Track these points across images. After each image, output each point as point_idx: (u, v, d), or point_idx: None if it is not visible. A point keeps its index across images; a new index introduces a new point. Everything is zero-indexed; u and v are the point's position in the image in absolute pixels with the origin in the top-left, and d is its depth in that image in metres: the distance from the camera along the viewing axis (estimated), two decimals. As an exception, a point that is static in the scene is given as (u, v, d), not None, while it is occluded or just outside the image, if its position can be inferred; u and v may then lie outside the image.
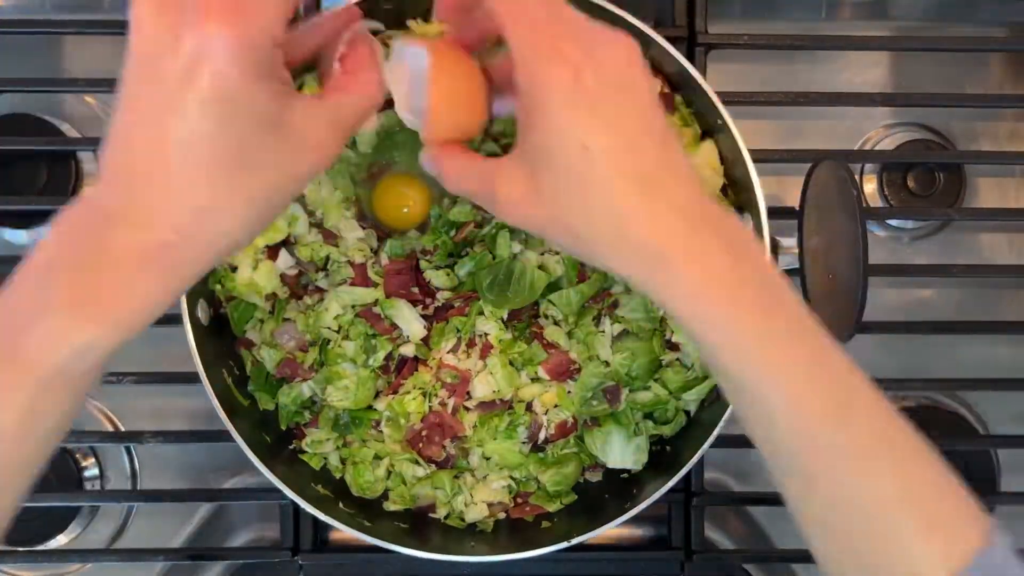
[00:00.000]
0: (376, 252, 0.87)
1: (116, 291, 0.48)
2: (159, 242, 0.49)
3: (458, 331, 0.86)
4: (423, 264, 0.86)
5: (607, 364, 0.86)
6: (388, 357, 0.86)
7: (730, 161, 0.86)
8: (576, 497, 0.90)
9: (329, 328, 0.86)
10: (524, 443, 0.88)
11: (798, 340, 0.54)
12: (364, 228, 0.87)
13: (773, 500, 1.01)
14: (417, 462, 0.88)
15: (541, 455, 0.89)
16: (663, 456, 0.89)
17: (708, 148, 0.86)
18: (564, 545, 0.83)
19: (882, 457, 0.56)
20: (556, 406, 0.87)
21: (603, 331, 0.86)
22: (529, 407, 0.87)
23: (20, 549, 0.98)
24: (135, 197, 0.48)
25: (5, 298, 0.49)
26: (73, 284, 0.48)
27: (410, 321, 0.85)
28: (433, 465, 0.88)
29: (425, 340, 0.87)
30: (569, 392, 0.87)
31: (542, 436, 0.87)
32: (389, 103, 0.87)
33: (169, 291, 0.50)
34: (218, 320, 0.87)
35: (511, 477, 0.89)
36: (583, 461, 0.89)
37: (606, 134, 0.52)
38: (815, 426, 0.55)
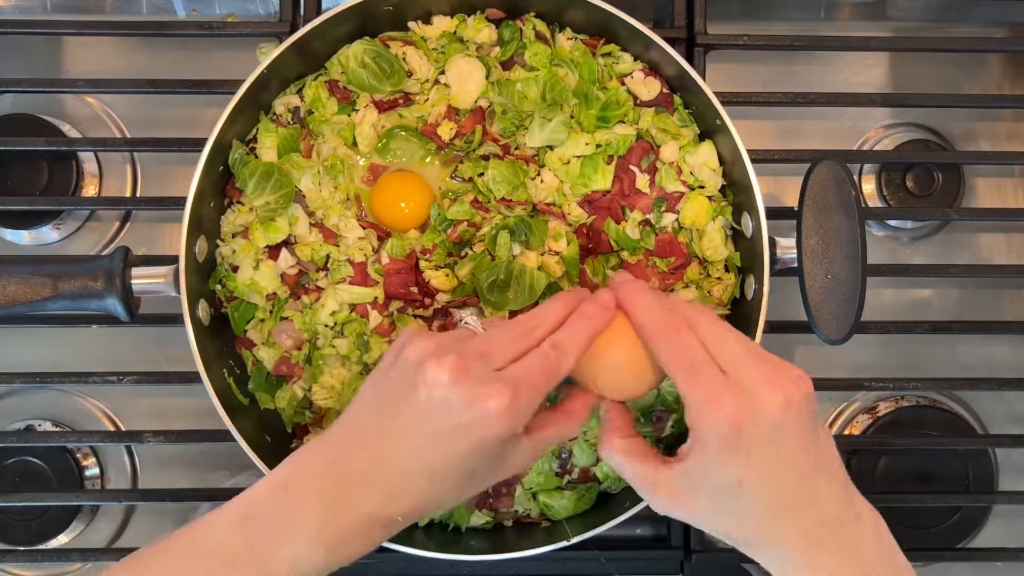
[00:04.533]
0: (376, 252, 0.87)
1: (355, 541, 0.64)
2: (400, 515, 0.64)
3: None
4: (423, 264, 0.87)
5: (659, 391, 0.86)
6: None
7: (729, 162, 0.86)
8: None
9: (325, 325, 0.86)
10: (557, 474, 0.88)
11: None
12: (364, 228, 0.87)
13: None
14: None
15: (560, 484, 0.89)
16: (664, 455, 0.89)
17: (707, 148, 0.87)
18: (564, 544, 0.84)
19: None
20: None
21: None
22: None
23: (21, 548, 0.98)
24: (388, 481, 0.63)
25: (253, 508, 0.65)
26: (324, 527, 0.62)
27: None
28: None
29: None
30: None
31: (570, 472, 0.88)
32: (392, 104, 0.88)
33: (382, 541, 0.66)
34: (219, 320, 0.88)
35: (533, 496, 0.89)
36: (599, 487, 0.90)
37: (757, 473, 0.63)
38: None
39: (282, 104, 0.88)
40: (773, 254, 0.82)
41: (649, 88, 0.88)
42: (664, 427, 0.87)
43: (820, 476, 0.65)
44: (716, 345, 0.65)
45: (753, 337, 0.82)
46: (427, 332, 0.70)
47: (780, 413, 0.62)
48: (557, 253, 0.86)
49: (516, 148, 0.88)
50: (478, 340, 0.65)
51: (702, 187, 0.87)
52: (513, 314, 0.86)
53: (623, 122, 0.87)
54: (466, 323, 0.71)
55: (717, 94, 0.84)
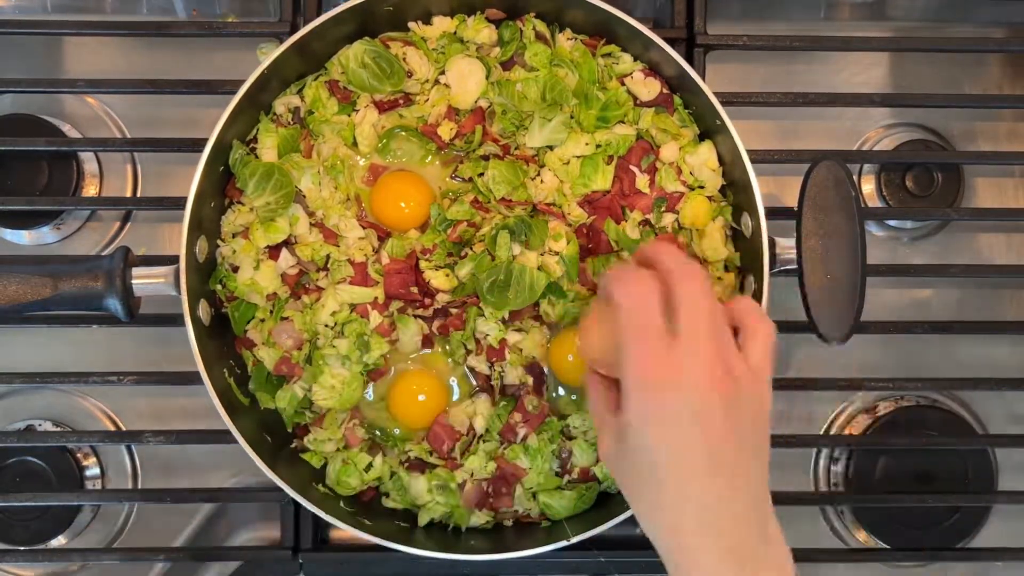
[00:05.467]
0: (376, 252, 0.87)
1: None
2: None
3: (464, 345, 0.88)
4: (423, 264, 0.87)
5: None
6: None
7: (729, 162, 0.86)
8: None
9: (325, 325, 0.86)
10: (557, 473, 0.88)
11: None
12: (364, 228, 0.87)
13: (772, 500, 1.02)
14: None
15: (560, 484, 0.89)
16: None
17: (707, 149, 0.87)
18: (564, 544, 0.84)
19: None
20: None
21: None
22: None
23: (21, 548, 0.98)
24: None
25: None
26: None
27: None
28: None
29: (427, 340, 0.88)
30: None
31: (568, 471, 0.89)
32: (392, 104, 0.88)
33: None
34: (219, 320, 0.88)
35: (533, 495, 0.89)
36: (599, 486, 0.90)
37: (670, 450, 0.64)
38: None
39: (282, 104, 0.88)
40: (773, 254, 0.82)
41: (649, 88, 0.88)
42: None
43: (737, 471, 0.65)
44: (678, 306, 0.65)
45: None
46: None
47: (702, 398, 0.63)
48: (557, 253, 0.86)
49: (516, 148, 0.88)
50: None
51: (702, 187, 0.87)
52: (513, 314, 0.87)
53: (623, 122, 0.87)
54: None
55: (717, 94, 0.84)
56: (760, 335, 0.67)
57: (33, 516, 0.99)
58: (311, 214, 0.87)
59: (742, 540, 0.65)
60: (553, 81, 0.85)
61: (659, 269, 0.68)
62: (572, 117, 0.87)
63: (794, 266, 0.81)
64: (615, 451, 0.68)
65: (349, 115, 0.88)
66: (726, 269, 0.88)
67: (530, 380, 0.88)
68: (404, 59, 0.87)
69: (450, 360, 0.89)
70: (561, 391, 0.89)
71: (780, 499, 1.00)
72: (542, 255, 0.86)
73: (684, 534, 0.65)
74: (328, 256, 0.87)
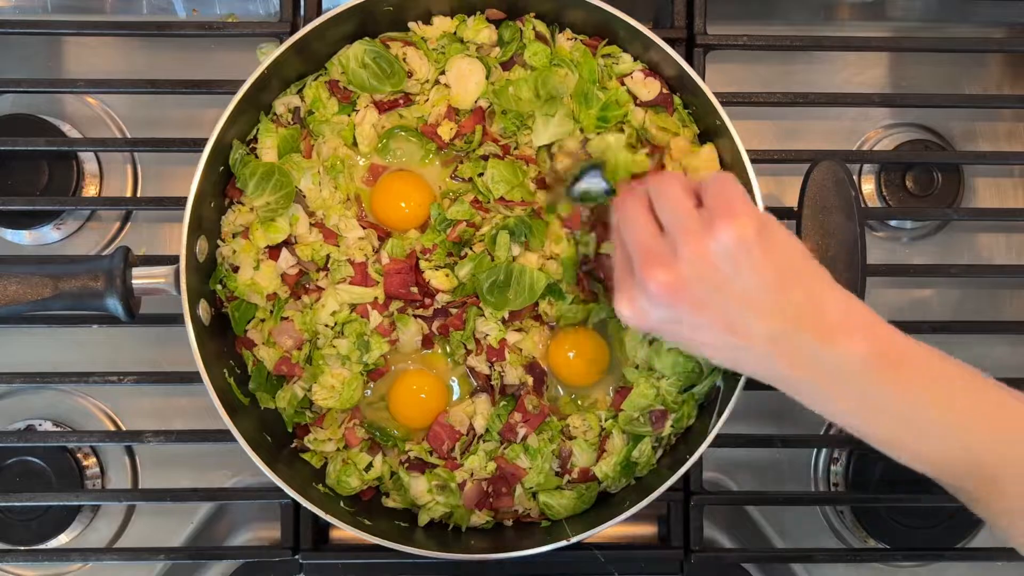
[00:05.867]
0: (376, 252, 0.87)
1: None
2: None
3: (464, 345, 0.88)
4: (423, 264, 0.87)
5: (657, 391, 0.86)
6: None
7: (729, 162, 0.86)
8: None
9: (325, 325, 0.86)
10: (557, 473, 0.88)
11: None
12: (364, 228, 0.87)
13: (772, 500, 1.02)
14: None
15: (560, 484, 0.89)
16: (663, 455, 0.90)
17: (709, 151, 0.86)
18: (564, 544, 0.84)
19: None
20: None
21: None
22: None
23: (21, 548, 0.98)
24: None
25: None
26: None
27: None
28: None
29: (427, 340, 0.88)
30: (613, 418, 0.88)
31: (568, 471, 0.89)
32: (392, 104, 0.88)
33: None
34: (219, 320, 0.88)
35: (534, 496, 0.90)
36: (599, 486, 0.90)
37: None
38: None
39: (282, 104, 0.88)
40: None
41: (649, 88, 0.88)
42: (663, 427, 0.87)
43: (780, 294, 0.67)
44: (657, 206, 0.70)
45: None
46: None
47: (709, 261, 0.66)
48: (553, 258, 0.86)
49: (516, 148, 0.88)
50: None
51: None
52: (513, 314, 0.87)
53: (623, 122, 0.87)
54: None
55: (717, 94, 0.84)
56: (710, 186, 0.69)
57: (33, 516, 0.99)
58: (311, 214, 0.87)
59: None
60: (544, 77, 0.85)
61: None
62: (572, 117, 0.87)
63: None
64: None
65: (349, 115, 0.88)
66: None
67: (530, 380, 0.88)
68: (404, 59, 0.87)
69: (450, 360, 0.89)
70: (561, 391, 0.89)
71: (780, 499, 1.01)
72: (544, 260, 0.86)
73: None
74: (328, 256, 0.87)
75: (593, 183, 0.80)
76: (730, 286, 0.66)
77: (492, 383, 0.88)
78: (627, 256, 0.70)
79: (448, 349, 0.88)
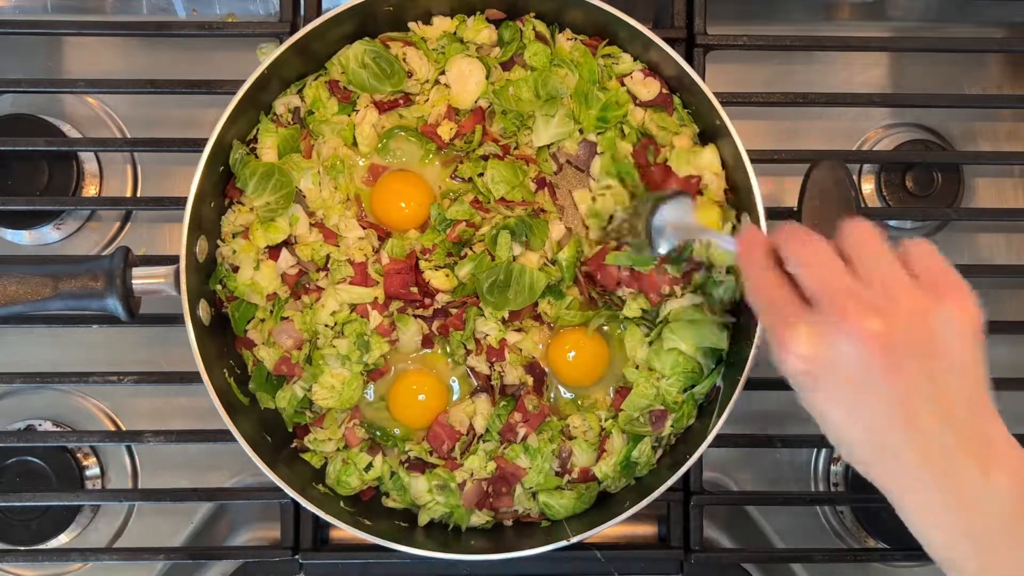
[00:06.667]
0: (376, 252, 0.87)
1: None
2: None
3: (464, 345, 0.88)
4: (423, 264, 0.87)
5: (657, 391, 0.86)
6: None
7: (730, 164, 0.86)
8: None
9: (325, 325, 0.86)
10: (557, 473, 0.88)
11: None
12: (364, 228, 0.87)
13: (772, 500, 1.02)
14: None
15: (560, 484, 0.89)
16: (663, 455, 0.90)
17: (710, 153, 0.86)
18: (564, 544, 0.84)
19: None
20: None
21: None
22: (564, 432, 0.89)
23: (21, 548, 0.98)
24: None
25: None
26: None
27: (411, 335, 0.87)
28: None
29: (427, 340, 0.88)
30: (613, 418, 0.88)
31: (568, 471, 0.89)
32: (392, 105, 0.88)
33: None
34: (219, 320, 0.88)
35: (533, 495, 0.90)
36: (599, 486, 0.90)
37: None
38: None
39: (282, 104, 0.88)
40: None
41: (649, 88, 0.88)
42: (663, 427, 0.87)
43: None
44: (857, 256, 0.64)
45: (752, 338, 0.81)
46: None
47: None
48: (554, 261, 0.86)
49: (516, 148, 0.88)
50: None
51: (707, 187, 0.87)
52: (513, 314, 0.87)
53: (623, 123, 0.87)
54: None
55: (717, 94, 0.84)
56: (915, 251, 0.64)
57: (33, 516, 0.99)
58: (311, 214, 0.87)
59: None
60: (544, 77, 0.85)
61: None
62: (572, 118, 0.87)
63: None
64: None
65: (349, 115, 0.88)
66: (727, 271, 0.88)
67: (530, 380, 0.88)
68: (404, 59, 0.87)
69: (450, 360, 0.89)
70: (561, 391, 0.89)
71: (780, 499, 1.01)
72: (545, 261, 0.86)
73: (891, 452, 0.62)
74: (328, 256, 0.87)
75: (723, 246, 0.77)
76: (935, 360, 0.61)
77: (492, 383, 0.88)
78: (778, 303, 0.64)
79: (448, 349, 0.88)
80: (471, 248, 0.86)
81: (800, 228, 0.66)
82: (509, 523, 0.90)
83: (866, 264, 0.63)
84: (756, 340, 0.81)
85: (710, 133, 0.87)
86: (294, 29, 0.94)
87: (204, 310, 0.84)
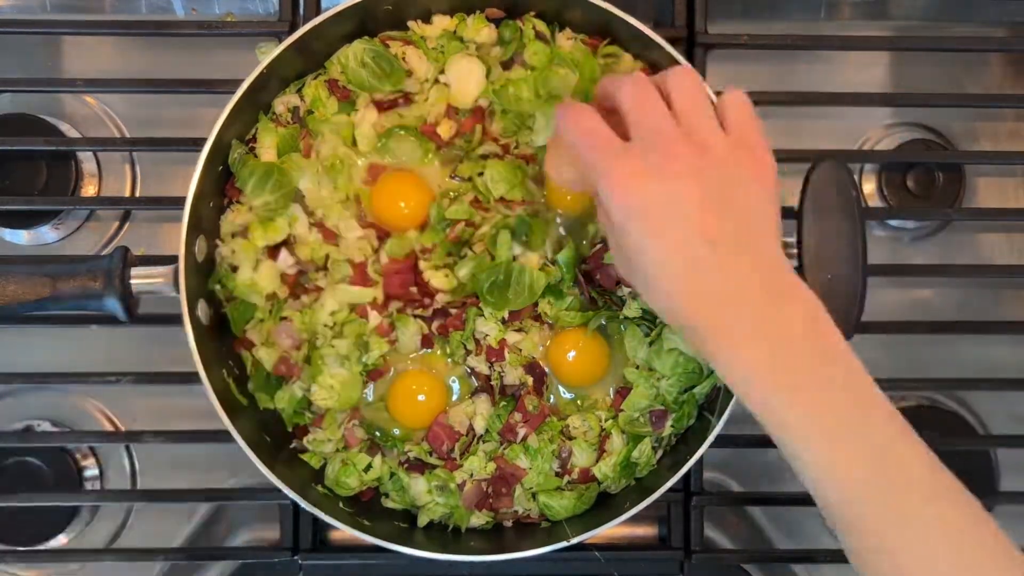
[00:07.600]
0: (376, 252, 0.87)
1: None
2: None
3: (464, 345, 0.87)
4: (423, 264, 0.86)
5: (657, 391, 0.86)
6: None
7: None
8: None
9: (324, 326, 0.86)
10: (557, 474, 0.88)
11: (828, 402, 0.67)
12: (364, 228, 0.87)
13: (772, 500, 1.02)
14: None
15: (560, 484, 0.89)
16: (663, 456, 0.89)
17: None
18: (564, 545, 0.84)
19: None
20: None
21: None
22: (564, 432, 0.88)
23: (20, 549, 0.98)
24: None
25: None
26: None
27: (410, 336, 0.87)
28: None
29: (426, 340, 0.88)
30: (613, 418, 0.88)
31: (569, 471, 0.88)
32: (391, 104, 0.88)
33: None
34: (218, 320, 0.87)
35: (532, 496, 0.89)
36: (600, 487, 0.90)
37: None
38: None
39: (282, 104, 0.88)
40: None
41: (649, 88, 0.88)
42: (664, 427, 0.87)
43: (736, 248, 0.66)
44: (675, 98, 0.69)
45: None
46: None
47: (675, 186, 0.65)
48: (554, 262, 0.86)
49: (516, 148, 0.88)
50: None
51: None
52: (513, 314, 0.86)
53: None
54: None
55: (717, 94, 0.83)
56: (727, 103, 0.69)
57: (33, 516, 0.98)
58: (310, 214, 0.87)
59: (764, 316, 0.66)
60: (544, 76, 0.85)
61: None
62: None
63: (794, 266, 0.81)
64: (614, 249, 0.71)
65: (349, 115, 0.88)
66: None
67: (530, 380, 0.88)
68: (404, 58, 0.87)
69: (450, 360, 0.89)
70: (561, 391, 0.89)
71: (780, 499, 1.00)
72: (544, 263, 0.86)
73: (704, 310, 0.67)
74: (327, 256, 0.86)
75: None
76: (745, 212, 0.67)
77: (492, 383, 0.88)
78: (599, 134, 0.68)
79: (448, 349, 0.88)
80: (471, 248, 0.86)
81: (634, 75, 0.71)
82: (509, 524, 0.90)
83: (687, 112, 0.68)
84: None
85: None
86: (293, 28, 0.93)
87: (203, 310, 0.84)
